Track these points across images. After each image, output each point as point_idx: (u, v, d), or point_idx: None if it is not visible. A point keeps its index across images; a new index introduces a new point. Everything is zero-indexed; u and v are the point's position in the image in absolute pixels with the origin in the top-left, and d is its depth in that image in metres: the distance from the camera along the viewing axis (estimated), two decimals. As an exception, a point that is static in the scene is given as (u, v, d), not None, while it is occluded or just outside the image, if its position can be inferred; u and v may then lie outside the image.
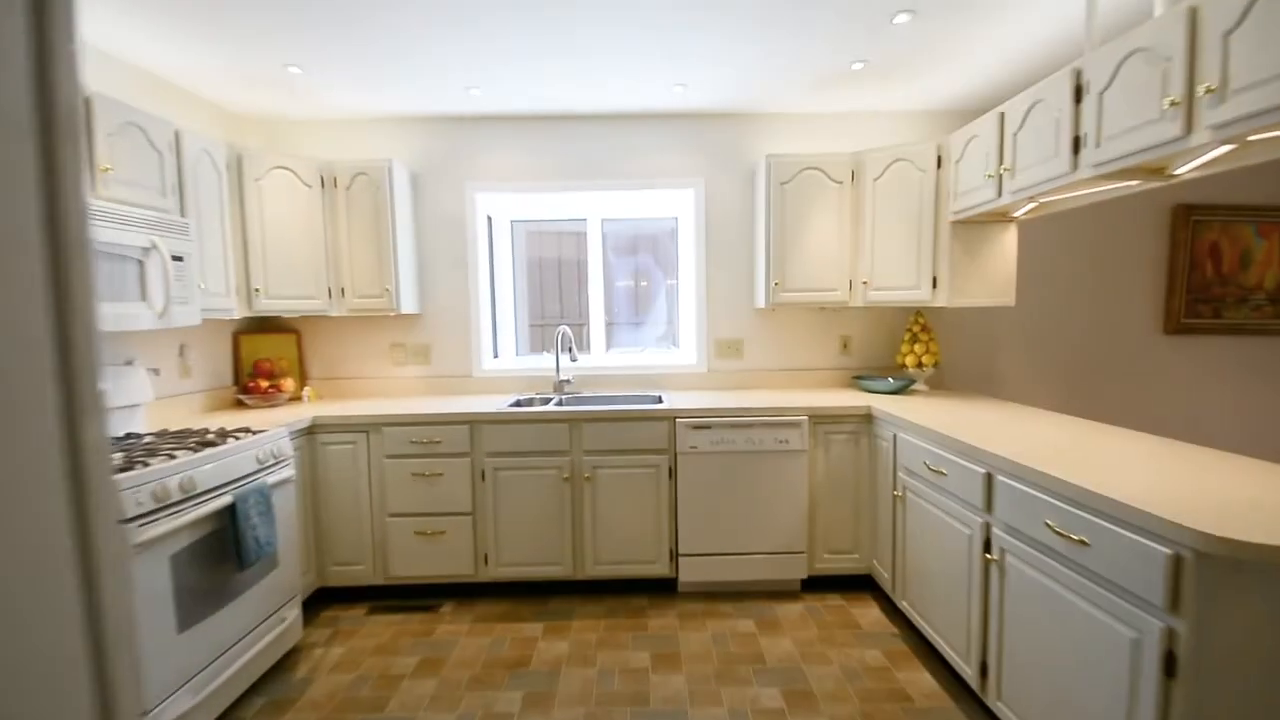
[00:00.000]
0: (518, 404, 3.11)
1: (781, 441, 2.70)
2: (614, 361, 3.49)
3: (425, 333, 3.33)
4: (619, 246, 3.81)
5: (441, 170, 3.27)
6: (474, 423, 2.74)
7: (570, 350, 3.10)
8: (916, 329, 3.16)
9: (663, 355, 3.64)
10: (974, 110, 3.24)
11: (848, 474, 2.77)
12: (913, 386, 3.10)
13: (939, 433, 2.13)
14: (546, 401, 3.20)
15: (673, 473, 2.75)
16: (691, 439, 2.70)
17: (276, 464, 2.34)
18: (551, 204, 3.63)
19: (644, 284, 3.80)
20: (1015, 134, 2.26)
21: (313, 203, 2.94)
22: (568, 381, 3.23)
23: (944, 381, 3.38)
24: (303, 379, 3.32)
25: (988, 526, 1.87)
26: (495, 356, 3.65)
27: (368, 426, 2.75)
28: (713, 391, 3.25)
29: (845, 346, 3.35)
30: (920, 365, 3.13)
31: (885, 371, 3.36)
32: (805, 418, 2.71)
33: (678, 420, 2.72)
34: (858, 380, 3.18)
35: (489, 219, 3.65)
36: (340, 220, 3.00)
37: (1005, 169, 2.30)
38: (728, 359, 3.34)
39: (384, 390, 3.34)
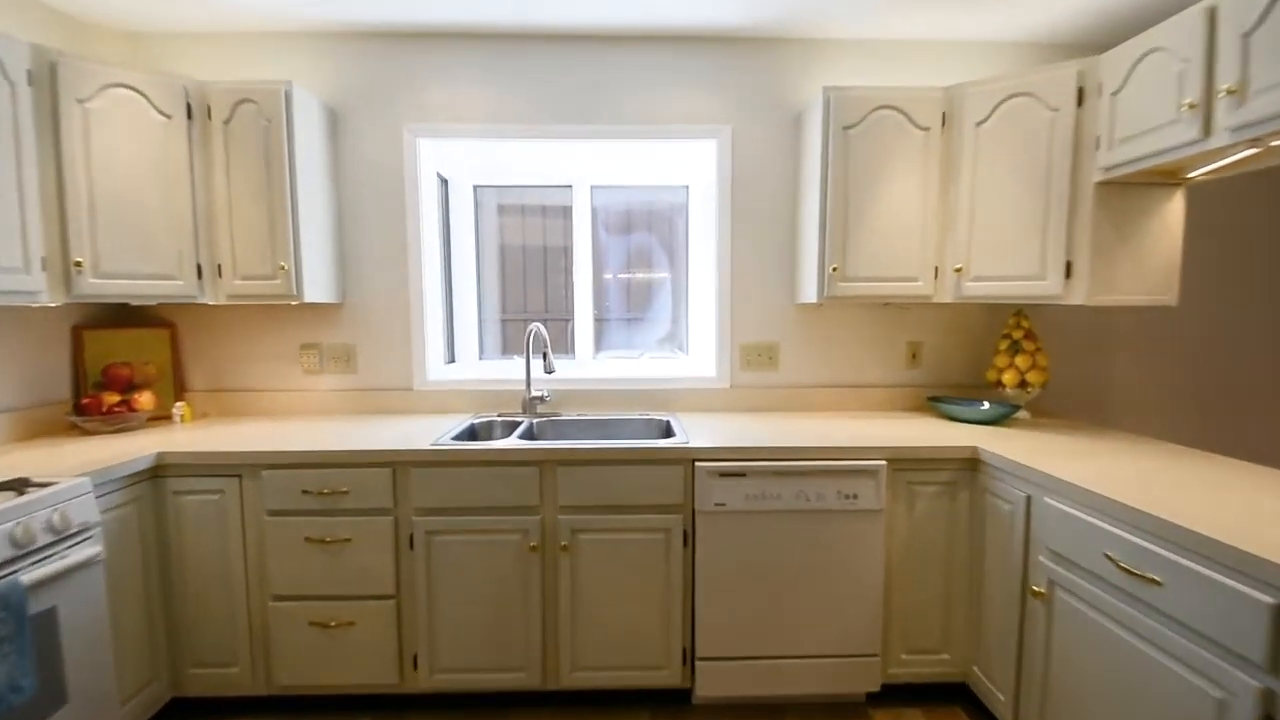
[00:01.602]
0: (470, 432, 2.23)
1: (848, 497, 1.85)
2: (605, 372, 2.62)
3: (348, 330, 2.44)
4: (613, 223, 2.94)
5: (371, 106, 2.37)
6: (398, 464, 1.86)
7: (545, 356, 2.22)
8: (1018, 335, 2.31)
9: (669, 364, 2.77)
10: (1095, 45, 2.39)
11: (938, 542, 1.92)
12: (1016, 414, 2.25)
13: (1145, 513, 1.29)
14: (512, 428, 2.31)
15: (689, 540, 1.89)
16: (717, 491, 1.84)
17: (59, 543, 1.45)
18: (525, 164, 2.74)
19: (641, 275, 2.93)
20: (1248, 35, 1.41)
21: (173, 140, 2.03)
22: (541, 398, 2.35)
23: (1045, 405, 2.55)
24: (178, 391, 2.41)
25: (1269, 697, 1.03)
26: (451, 361, 2.77)
27: (240, 468, 1.86)
28: (738, 415, 2.39)
29: (914, 356, 2.50)
30: (1024, 385, 2.29)
31: (967, 390, 2.51)
32: (883, 462, 1.86)
33: (698, 464, 1.85)
34: (935, 404, 2.34)
35: (443, 181, 2.76)
36: (216, 168, 2.09)
37: (1227, 90, 1.45)
38: (757, 370, 2.48)
39: (292, 407, 2.44)
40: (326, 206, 2.29)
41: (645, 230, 2.96)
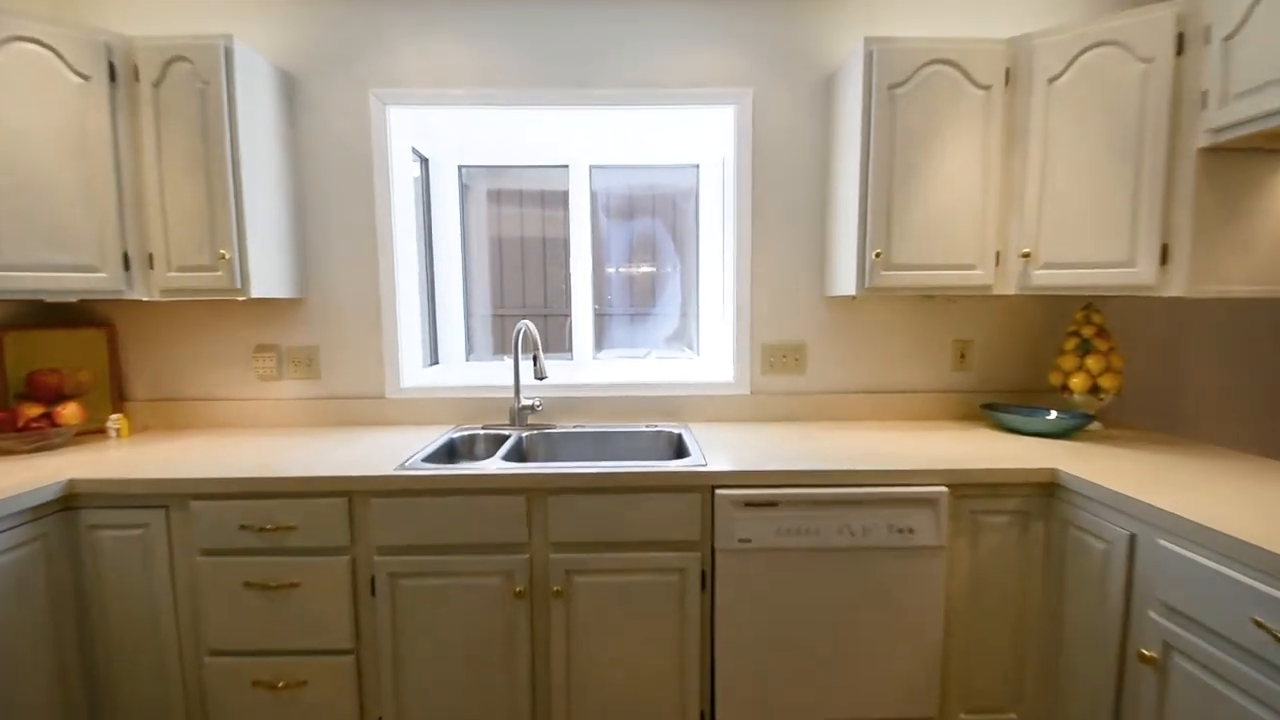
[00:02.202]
0: (448, 449, 1.91)
1: (902, 531, 1.52)
2: (607, 375, 2.29)
3: (310, 329, 2.12)
4: (615, 208, 2.61)
5: (333, 70, 2.04)
6: (354, 494, 1.54)
7: (536, 360, 1.89)
8: (1088, 332, 1.98)
9: (678, 365, 2.44)
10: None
11: (1007, 584, 1.60)
12: (1089, 425, 1.92)
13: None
14: (498, 443, 1.99)
15: (707, 583, 1.57)
16: (742, 525, 1.52)
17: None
18: (515, 140, 2.42)
19: (646, 267, 2.61)
20: None
21: (92, 107, 1.70)
22: (532, 407, 2.03)
23: (1116, 414, 2.22)
24: (116, 401, 2.09)
25: None
26: (434, 364, 2.45)
27: (167, 498, 1.55)
28: (761, 427, 2.06)
29: (962, 357, 2.17)
30: (1095, 390, 1.95)
31: (1023, 397, 2.18)
32: (943, 488, 1.53)
33: (718, 492, 1.53)
34: (991, 413, 2.00)
35: (423, 160, 2.43)
36: (144, 139, 1.77)
37: None
38: (782, 373, 2.15)
39: (246, 419, 2.13)
40: (280, 186, 1.97)
41: (651, 216, 2.64)
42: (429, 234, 2.46)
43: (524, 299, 2.65)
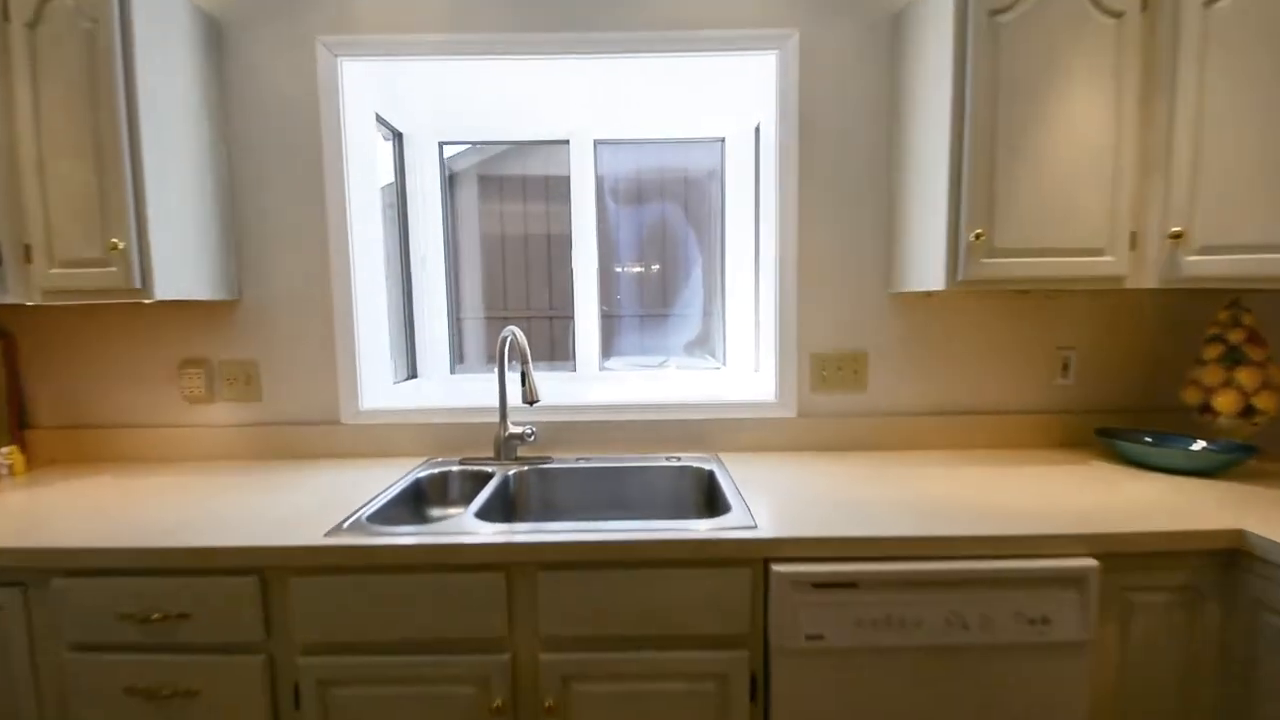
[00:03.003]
0: (414, 493, 1.49)
1: (1034, 622, 1.08)
2: (616, 393, 1.87)
3: (248, 340, 1.71)
4: (624, 192, 2.20)
5: (270, 13, 1.63)
6: (270, 571, 1.12)
7: (524, 379, 1.46)
8: (1236, 337, 1.53)
9: (703, 378, 2.02)
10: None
11: (1168, 685, 1.16)
12: (1248, 459, 1.46)
13: None
14: (480, 484, 1.57)
15: (759, 693, 1.14)
16: (810, 613, 1.08)
17: None
18: (506, 109, 2.00)
19: (659, 264, 2.19)
20: None
21: (-61, 51, 1.30)
22: (522, 437, 1.60)
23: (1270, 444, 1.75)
24: (14, 429, 1.70)
25: None
26: (411, 377, 2.04)
27: (23, 574, 1.14)
28: (813, 458, 1.63)
29: (1064, 368, 1.72)
30: (1249, 412, 1.50)
31: (1145, 418, 1.73)
32: (1091, 562, 1.09)
33: (774, 568, 1.10)
34: (1112, 440, 1.56)
35: (396, 135, 2.02)
36: (17, 94, 1.36)
37: None
38: (837, 390, 1.71)
39: (171, 450, 1.72)
40: (200, 160, 1.56)
41: (667, 201, 2.21)
42: (404, 222, 2.05)
43: (527, 300, 2.24)
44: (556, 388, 1.94)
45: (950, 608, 1.07)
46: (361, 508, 1.28)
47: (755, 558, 1.10)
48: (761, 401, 1.72)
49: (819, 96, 1.63)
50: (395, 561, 1.09)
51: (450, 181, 2.16)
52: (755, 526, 1.13)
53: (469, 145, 2.18)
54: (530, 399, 1.45)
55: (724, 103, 1.98)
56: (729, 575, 1.10)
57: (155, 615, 1.11)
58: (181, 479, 1.53)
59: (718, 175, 2.15)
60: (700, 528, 1.13)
